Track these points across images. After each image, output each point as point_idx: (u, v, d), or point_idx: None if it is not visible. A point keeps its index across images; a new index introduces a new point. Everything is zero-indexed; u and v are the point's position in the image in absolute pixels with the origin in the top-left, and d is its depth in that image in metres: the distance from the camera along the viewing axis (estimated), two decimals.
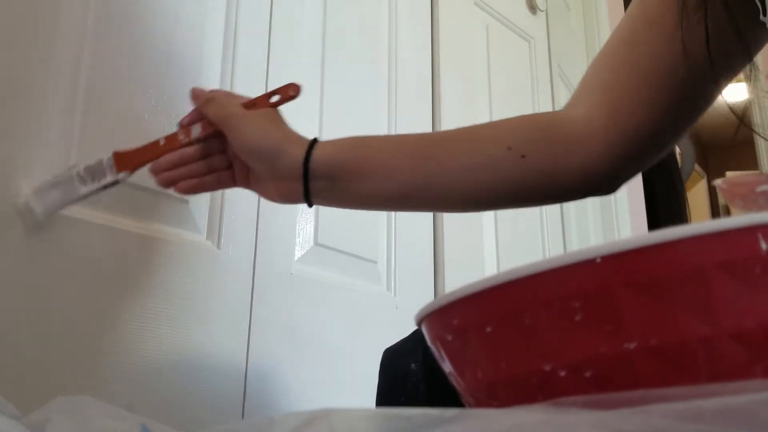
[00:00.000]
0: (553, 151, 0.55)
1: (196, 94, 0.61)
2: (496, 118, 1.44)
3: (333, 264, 0.96)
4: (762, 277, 0.18)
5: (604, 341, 0.19)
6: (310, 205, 0.58)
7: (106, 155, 0.60)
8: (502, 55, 1.50)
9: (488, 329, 0.22)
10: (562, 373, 0.20)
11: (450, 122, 1.27)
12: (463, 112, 1.32)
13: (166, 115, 0.76)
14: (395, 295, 1.06)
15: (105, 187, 0.61)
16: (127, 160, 0.60)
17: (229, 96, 0.61)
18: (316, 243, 0.93)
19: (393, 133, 1.13)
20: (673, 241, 0.19)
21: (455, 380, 0.26)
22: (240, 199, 0.83)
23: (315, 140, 0.57)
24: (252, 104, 0.59)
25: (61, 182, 0.60)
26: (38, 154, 0.64)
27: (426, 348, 0.56)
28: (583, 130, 0.55)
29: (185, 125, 0.60)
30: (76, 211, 0.67)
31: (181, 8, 0.81)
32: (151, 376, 0.70)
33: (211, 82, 0.83)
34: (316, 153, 0.56)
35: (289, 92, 0.59)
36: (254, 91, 0.89)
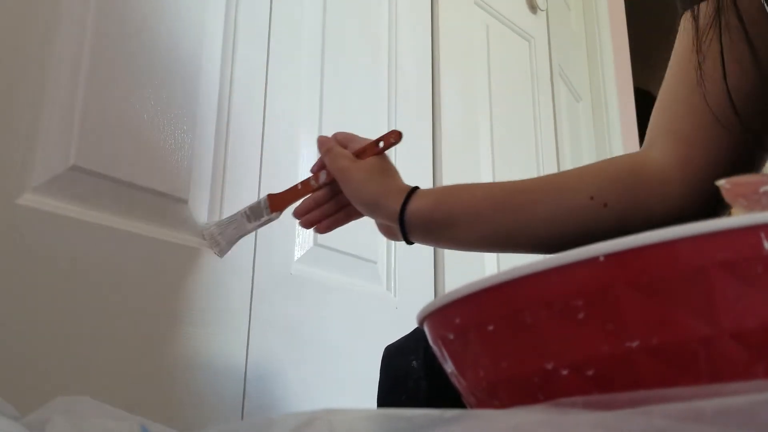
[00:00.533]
0: (634, 198, 0.55)
1: (321, 143, 0.69)
2: (496, 117, 1.45)
3: (333, 264, 0.96)
4: (764, 276, 0.18)
5: (605, 340, 0.19)
6: (410, 244, 0.64)
7: (262, 197, 0.74)
8: (502, 55, 1.50)
9: (490, 328, 0.22)
10: (564, 372, 0.20)
11: (450, 122, 1.27)
12: (463, 112, 1.32)
13: (166, 115, 0.76)
14: (395, 296, 1.06)
15: (264, 224, 0.75)
16: (277, 202, 0.73)
17: (345, 139, 0.69)
18: (316, 243, 0.93)
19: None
20: (675, 240, 0.19)
21: (456, 380, 0.26)
22: (240, 199, 0.83)
23: (413, 191, 0.62)
24: (362, 151, 0.67)
25: (235, 219, 0.76)
26: (38, 154, 0.64)
27: (427, 346, 0.56)
28: (660, 177, 0.55)
29: (315, 172, 0.70)
30: (75, 211, 0.67)
31: (181, 8, 0.81)
32: (150, 376, 0.70)
33: (210, 82, 0.83)
34: (411, 207, 0.61)
35: (390, 139, 0.67)
36: (254, 91, 0.89)
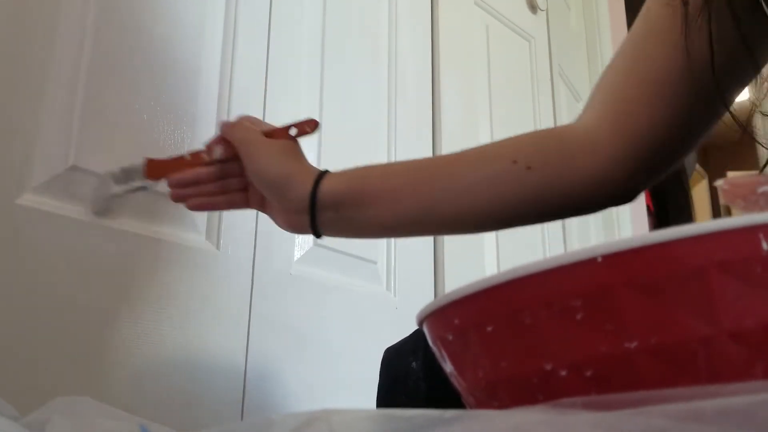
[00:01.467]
0: (559, 160, 0.54)
1: (224, 122, 0.63)
2: (496, 117, 1.45)
3: (333, 264, 0.96)
4: (763, 276, 0.18)
5: (604, 340, 0.19)
6: (318, 236, 0.59)
7: (140, 160, 0.63)
8: (502, 55, 1.50)
9: (489, 329, 0.22)
10: (563, 373, 0.20)
11: (450, 122, 1.27)
12: (463, 112, 1.32)
13: (166, 115, 0.76)
14: (395, 296, 1.06)
15: (134, 191, 0.65)
16: (155, 169, 0.63)
17: (254, 122, 0.62)
18: (316, 243, 0.93)
19: (393, 134, 1.13)
20: (674, 240, 0.19)
21: (456, 380, 0.26)
22: None
23: (325, 172, 0.58)
24: (271, 134, 0.60)
25: (102, 180, 0.66)
26: (38, 154, 0.64)
27: (427, 347, 0.56)
28: (588, 138, 0.54)
29: (210, 145, 0.62)
30: (75, 211, 0.67)
31: (181, 8, 0.81)
32: (150, 376, 0.70)
33: (210, 82, 0.83)
34: (324, 184, 0.57)
35: (306, 128, 0.61)
36: (253, 91, 0.89)
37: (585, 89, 1.99)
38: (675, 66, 0.52)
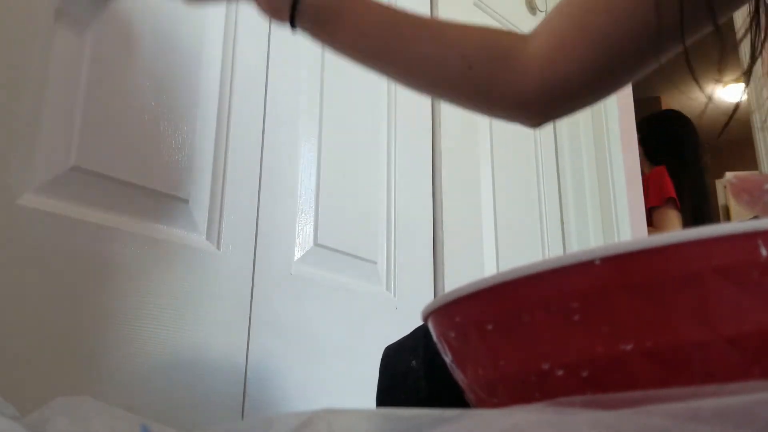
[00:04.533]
0: (497, 70, 0.60)
1: None
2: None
3: (333, 264, 0.96)
4: (760, 282, 0.18)
5: (600, 342, 0.20)
6: (293, 26, 0.61)
7: None
8: None
9: (489, 327, 0.22)
10: (559, 373, 0.20)
11: (449, 122, 1.27)
12: (462, 112, 1.32)
13: (166, 116, 0.76)
14: (395, 296, 1.06)
15: None
16: None
17: None
18: (316, 243, 0.93)
19: (393, 134, 1.13)
20: (672, 245, 0.19)
21: (457, 375, 0.26)
22: (240, 200, 0.83)
23: None
24: None
25: None
26: (38, 155, 0.65)
27: (427, 345, 0.57)
28: (527, 58, 0.59)
29: None
30: (75, 211, 0.67)
31: (181, 8, 0.81)
32: (150, 376, 0.70)
33: (211, 82, 0.83)
34: None
35: None
36: (254, 91, 0.89)
37: None
38: (626, 6, 0.55)
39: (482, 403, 0.25)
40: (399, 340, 0.63)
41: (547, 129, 1.65)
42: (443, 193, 1.21)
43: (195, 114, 0.80)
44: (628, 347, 0.19)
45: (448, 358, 0.26)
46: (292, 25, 0.61)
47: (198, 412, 0.74)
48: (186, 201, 0.77)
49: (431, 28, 0.62)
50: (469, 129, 1.34)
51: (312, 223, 0.94)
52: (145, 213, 0.73)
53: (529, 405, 0.21)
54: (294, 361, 0.86)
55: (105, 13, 0.67)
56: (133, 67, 0.74)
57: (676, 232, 0.19)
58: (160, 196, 0.74)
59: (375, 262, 1.04)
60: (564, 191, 1.65)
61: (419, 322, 0.61)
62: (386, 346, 0.64)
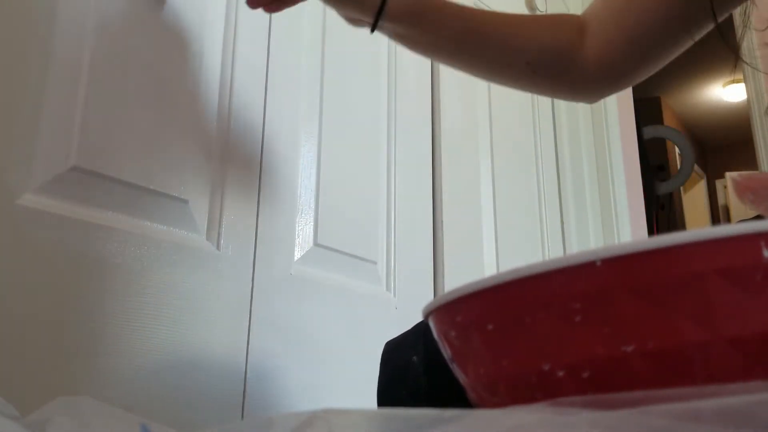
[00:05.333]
0: (558, 71, 0.69)
1: None
2: (495, 118, 1.45)
3: (333, 265, 0.96)
4: (762, 284, 0.18)
5: (601, 343, 0.19)
6: (374, 29, 0.65)
7: None
8: None
9: (489, 327, 0.22)
10: (560, 373, 0.20)
11: (449, 122, 1.27)
12: (462, 112, 1.32)
13: (166, 116, 0.76)
14: (395, 296, 1.06)
15: None
16: None
17: None
18: (316, 244, 0.93)
19: (393, 134, 1.13)
20: (673, 246, 0.19)
21: (458, 374, 0.26)
22: (240, 200, 0.83)
23: None
24: None
25: None
26: (38, 155, 0.65)
27: (427, 342, 0.57)
28: (584, 55, 0.68)
29: None
30: (75, 211, 0.67)
31: (181, 8, 0.81)
32: (150, 376, 0.70)
33: (211, 82, 0.83)
34: None
35: None
36: (254, 91, 0.89)
37: None
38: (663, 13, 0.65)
39: (483, 402, 0.25)
40: (400, 335, 0.63)
41: (547, 129, 1.65)
42: (443, 193, 1.21)
43: (195, 114, 0.80)
44: (630, 348, 0.19)
45: (448, 357, 0.26)
46: (373, 28, 0.65)
47: (198, 412, 0.74)
48: (186, 201, 0.77)
49: (497, 36, 0.68)
50: (470, 129, 1.34)
51: (312, 223, 0.94)
52: (145, 213, 0.73)
53: (530, 405, 0.21)
54: (294, 361, 0.86)
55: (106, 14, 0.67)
56: (133, 67, 0.74)
57: (678, 234, 0.19)
58: (160, 196, 0.74)
59: (375, 263, 1.04)
60: (564, 191, 1.65)
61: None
62: (387, 341, 0.64)
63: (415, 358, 0.58)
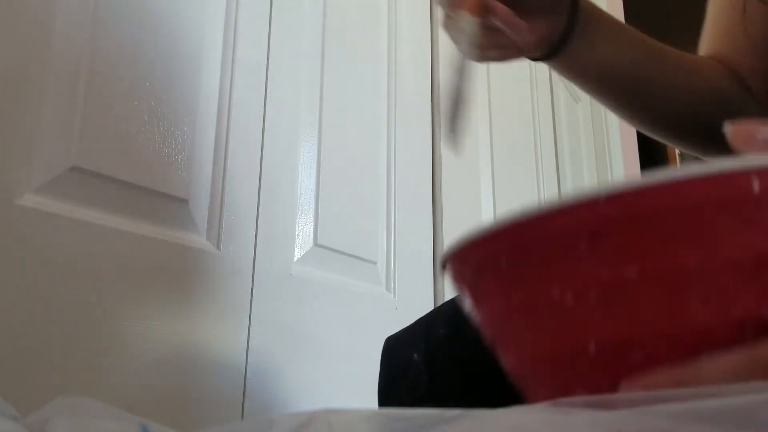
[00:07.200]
0: (719, 120, 0.68)
1: None
2: (495, 118, 1.45)
3: (332, 265, 0.96)
4: (755, 213, 0.20)
5: (606, 267, 0.22)
6: (555, 51, 0.58)
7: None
8: None
9: (503, 262, 0.24)
10: (569, 297, 0.22)
11: None
12: None
13: (166, 116, 0.76)
14: (395, 296, 1.06)
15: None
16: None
17: None
18: (316, 244, 0.93)
19: (393, 134, 1.13)
20: (674, 181, 0.21)
21: (474, 315, 0.28)
22: (240, 200, 0.83)
23: None
24: None
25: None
26: (38, 155, 0.65)
27: (428, 339, 0.57)
28: (742, 99, 0.66)
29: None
30: (75, 211, 0.67)
31: (181, 8, 0.81)
32: (150, 376, 0.70)
33: (210, 82, 0.83)
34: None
35: None
36: (254, 91, 0.89)
37: None
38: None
39: (498, 341, 0.27)
40: (400, 331, 0.63)
41: (547, 128, 1.65)
42: (443, 193, 1.21)
43: (195, 114, 0.80)
44: (633, 271, 0.21)
45: (465, 301, 0.28)
46: (542, 60, 0.60)
47: (198, 412, 0.74)
48: (186, 201, 0.77)
49: (664, 86, 0.64)
50: (470, 129, 1.34)
51: (312, 223, 0.94)
52: (145, 213, 0.73)
53: (530, 405, 0.21)
54: (294, 361, 0.86)
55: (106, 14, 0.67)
56: (133, 67, 0.74)
57: (675, 170, 0.21)
58: (160, 196, 0.74)
59: (375, 262, 1.04)
60: (564, 191, 1.65)
61: None
62: (387, 337, 0.64)
63: (415, 356, 0.58)
